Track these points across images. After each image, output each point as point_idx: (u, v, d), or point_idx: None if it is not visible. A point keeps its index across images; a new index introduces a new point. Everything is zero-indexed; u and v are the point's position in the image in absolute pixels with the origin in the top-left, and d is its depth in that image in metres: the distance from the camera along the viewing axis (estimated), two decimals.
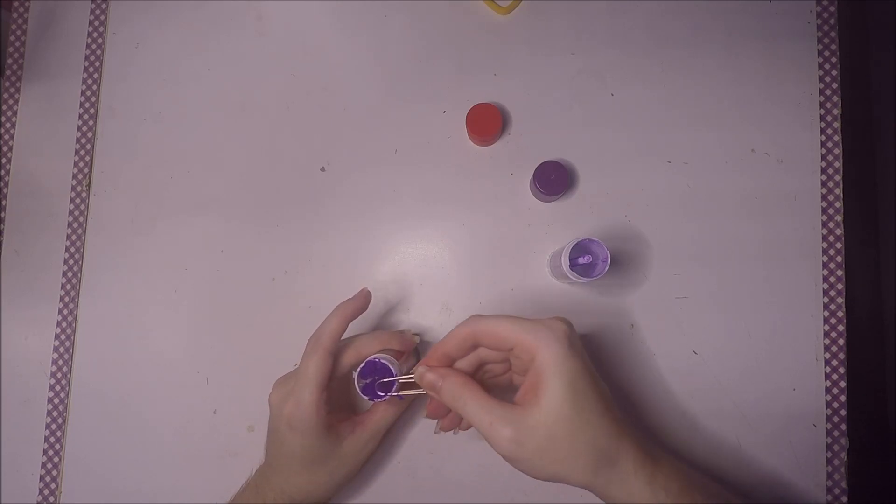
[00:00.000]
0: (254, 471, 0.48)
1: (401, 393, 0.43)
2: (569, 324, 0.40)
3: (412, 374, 0.42)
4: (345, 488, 0.48)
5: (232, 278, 0.55)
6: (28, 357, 0.56)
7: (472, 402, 0.39)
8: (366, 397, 0.43)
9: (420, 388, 0.42)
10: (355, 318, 0.46)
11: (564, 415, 0.37)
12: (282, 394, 0.45)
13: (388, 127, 0.55)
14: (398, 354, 0.48)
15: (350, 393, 0.50)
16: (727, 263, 0.52)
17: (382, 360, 0.43)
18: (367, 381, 0.43)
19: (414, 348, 0.51)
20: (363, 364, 0.43)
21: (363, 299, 0.46)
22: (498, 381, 0.45)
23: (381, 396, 0.43)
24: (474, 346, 0.42)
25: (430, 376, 0.41)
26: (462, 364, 0.43)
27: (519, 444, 0.37)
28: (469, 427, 0.44)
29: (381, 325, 0.53)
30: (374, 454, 0.48)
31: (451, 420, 0.45)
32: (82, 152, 0.58)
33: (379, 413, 0.47)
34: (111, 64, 0.59)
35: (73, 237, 0.57)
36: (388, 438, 0.51)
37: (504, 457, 0.38)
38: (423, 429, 0.52)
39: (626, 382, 0.51)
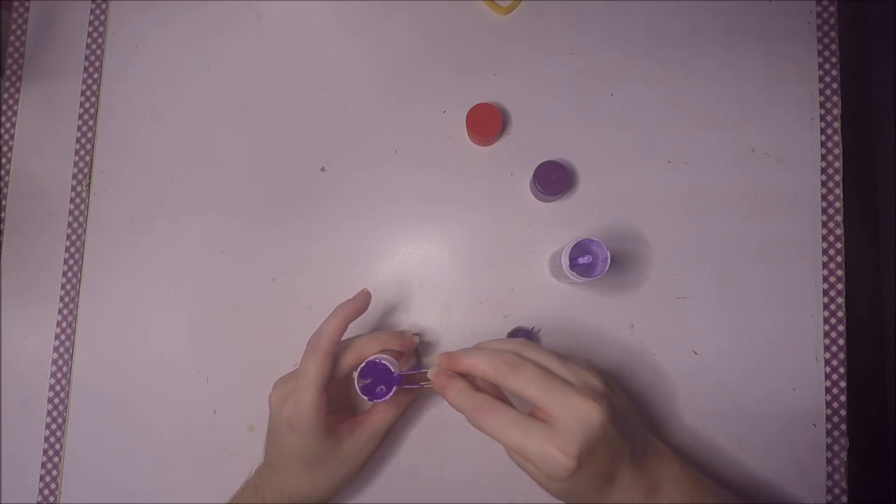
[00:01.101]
0: (253, 471, 0.48)
1: (406, 386, 0.44)
2: (596, 392, 0.39)
3: (425, 372, 0.43)
4: (344, 488, 0.48)
5: (232, 278, 0.55)
6: (28, 357, 0.56)
7: (475, 402, 0.39)
8: (366, 398, 0.43)
9: (422, 382, 0.42)
10: (355, 319, 0.45)
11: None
12: (281, 395, 0.45)
13: (388, 127, 0.55)
14: (398, 355, 0.48)
15: (350, 393, 0.51)
16: (727, 263, 0.52)
17: (382, 361, 0.43)
18: (368, 382, 0.43)
19: (414, 348, 0.51)
20: (363, 364, 0.43)
21: (363, 300, 0.46)
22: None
23: (381, 397, 0.43)
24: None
25: (443, 380, 0.41)
26: None
27: (544, 459, 0.37)
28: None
29: (382, 326, 0.53)
30: (373, 454, 0.48)
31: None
32: (82, 152, 0.58)
33: (378, 413, 0.47)
34: (111, 64, 0.59)
35: (73, 237, 0.57)
36: (388, 438, 0.51)
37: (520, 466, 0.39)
38: (423, 429, 0.52)
39: (626, 382, 0.51)
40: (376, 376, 0.43)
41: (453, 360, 0.41)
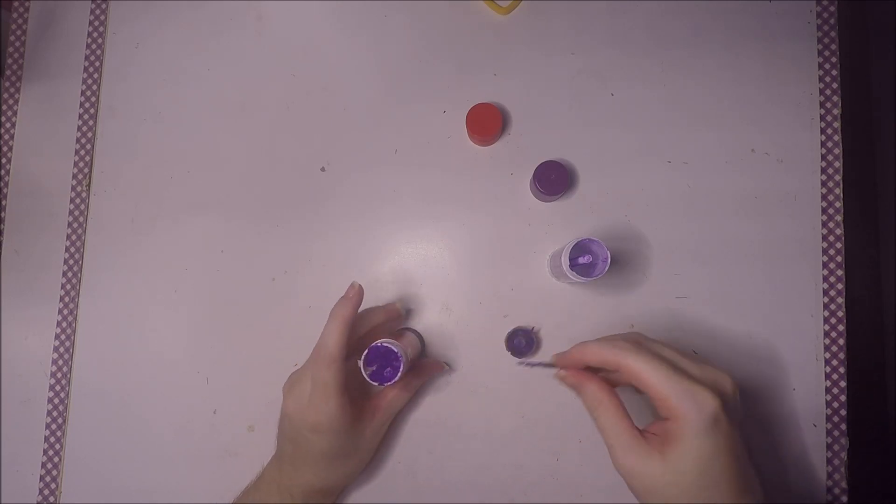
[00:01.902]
0: (262, 471, 0.48)
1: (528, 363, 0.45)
2: (725, 396, 0.37)
3: (553, 364, 0.43)
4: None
5: (232, 278, 0.55)
6: (28, 357, 0.56)
7: (604, 417, 0.39)
8: (375, 383, 0.43)
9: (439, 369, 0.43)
10: (353, 317, 0.45)
11: (685, 487, 0.36)
12: (299, 403, 0.44)
13: (388, 127, 0.55)
14: (397, 336, 0.48)
15: (359, 376, 0.50)
16: (727, 263, 0.52)
17: (385, 344, 0.43)
18: (374, 368, 0.43)
19: (418, 334, 0.52)
20: (367, 351, 0.43)
21: (357, 297, 0.46)
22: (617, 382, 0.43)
23: (389, 380, 0.43)
24: (613, 370, 0.40)
25: (572, 380, 0.41)
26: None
27: (633, 476, 0.37)
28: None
29: (382, 325, 0.53)
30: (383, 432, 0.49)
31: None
32: (82, 152, 0.58)
33: (392, 394, 0.48)
34: (111, 64, 0.59)
35: (73, 237, 0.57)
36: (388, 438, 0.51)
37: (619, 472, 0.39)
38: (423, 429, 0.52)
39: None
40: (381, 360, 0.43)
41: (569, 356, 0.41)
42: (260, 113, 0.57)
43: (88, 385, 0.55)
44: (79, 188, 0.57)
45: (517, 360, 0.44)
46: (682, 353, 0.40)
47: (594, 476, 0.50)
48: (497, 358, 0.52)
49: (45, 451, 0.55)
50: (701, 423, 0.35)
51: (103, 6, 0.59)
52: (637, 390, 0.40)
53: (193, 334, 0.55)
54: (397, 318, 0.50)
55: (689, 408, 0.36)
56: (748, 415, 0.50)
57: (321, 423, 0.43)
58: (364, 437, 0.46)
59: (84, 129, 0.58)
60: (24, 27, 0.60)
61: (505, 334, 0.52)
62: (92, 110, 0.58)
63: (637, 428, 0.38)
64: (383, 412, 0.47)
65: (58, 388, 0.55)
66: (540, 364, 0.43)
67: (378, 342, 0.43)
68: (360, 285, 0.46)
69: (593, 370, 0.42)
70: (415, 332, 0.52)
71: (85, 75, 0.58)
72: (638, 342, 0.40)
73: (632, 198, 0.53)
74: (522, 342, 0.51)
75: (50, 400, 0.55)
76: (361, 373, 0.43)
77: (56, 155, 0.58)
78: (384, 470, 0.52)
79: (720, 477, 0.36)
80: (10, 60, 0.59)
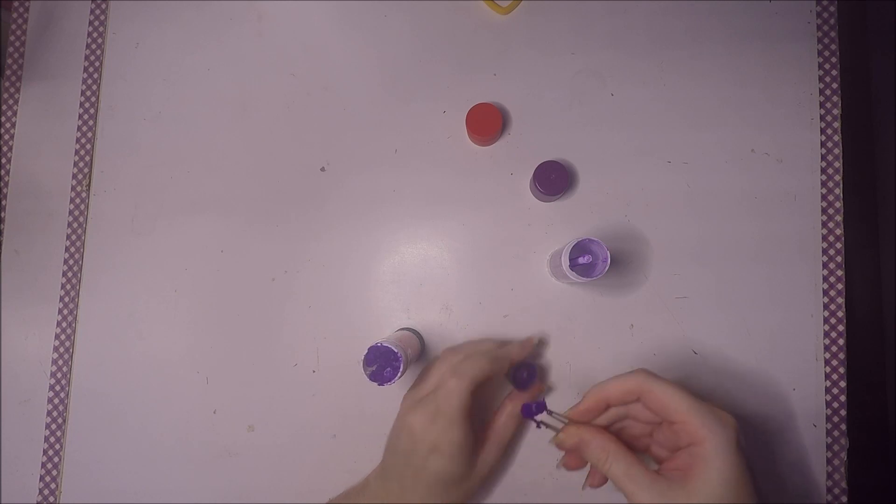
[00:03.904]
0: (366, 482, 0.48)
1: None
2: (736, 421, 0.38)
3: (566, 419, 0.41)
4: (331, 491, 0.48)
5: (232, 278, 0.55)
6: (28, 357, 0.56)
7: (616, 465, 0.38)
8: (375, 383, 0.43)
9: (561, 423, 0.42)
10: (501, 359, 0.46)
11: None
12: (424, 420, 0.44)
13: (388, 127, 0.55)
14: (406, 337, 0.48)
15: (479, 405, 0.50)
16: (727, 263, 0.52)
17: (385, 345, 0.43)
18: (374, 368, 0.43)
19: (417, 333, 0.52)
20: (367, 351, 0.43)
21: (525, 350, 0.47)
22: (632, 444, 0.42)
23: (389, 380, 0.43)
24: (634, 401, 0.40)
25: (574, 440, 0.40)
26: (603, 417, 0.42)
27: None
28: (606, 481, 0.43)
29: (382, 326, 0.53)
30: (498, 473, 0.49)
31: (598, 477, 0.43)
32: (82, 152, 0.58)
33: (500, 423, 0.47)
34: (111, 64, 0.59)
35: (73, 237, 0.57)
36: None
37: None
38: None
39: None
40: (381, 361, 0.43)
41: (589, 401, 0.40)
42: (260, 113, 0.57)
43: (88, 385, 0.55)
44: (79, 188, 0.57)
45: (534, 422, 0.43)
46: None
47: None
48: None
49: (45, 451, 0.55)
50: (727, 444, 0.36)
51: (103, 6, 0.59)
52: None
53: (193, 334, 0.55)
54: (528, 351, 0.50)
55: (714, 429, 0.36)
56: (748, 415, 0.50)
57: (442, 446, 0.43)
58: (475, 466, 0.45)
59: (84, 129, 0.58)
60: (24, 27, 0.60)
61: (504, 335, 0.52)
62: (92, 110, 0.58)
63: (651, 470, 0.38)
64: (494, 441, 0.47)
65: (57, 388, 0.55)
66: (554, 419, 0.42)
67: (377, 342, 0.43)
68: (533, 343, 0.48)
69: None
70: (415, 332, 0.52)
71: (85, 75, 0.58)
72: (651, 372, 0.40)
73: (632, 198, 0.53)
74: (524, 374, 0.49)
75: (50, 400, 0.55)
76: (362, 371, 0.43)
77: (56, 155, 0.58)
78: None
79: (746, 500, 0.36)
80: (10, 60, 0.59)
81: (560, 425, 0.41)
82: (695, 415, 0.36)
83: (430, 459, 0.43)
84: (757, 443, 0.50)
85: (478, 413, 0.45)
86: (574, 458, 0.43)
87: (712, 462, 0.36)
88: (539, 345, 0.52)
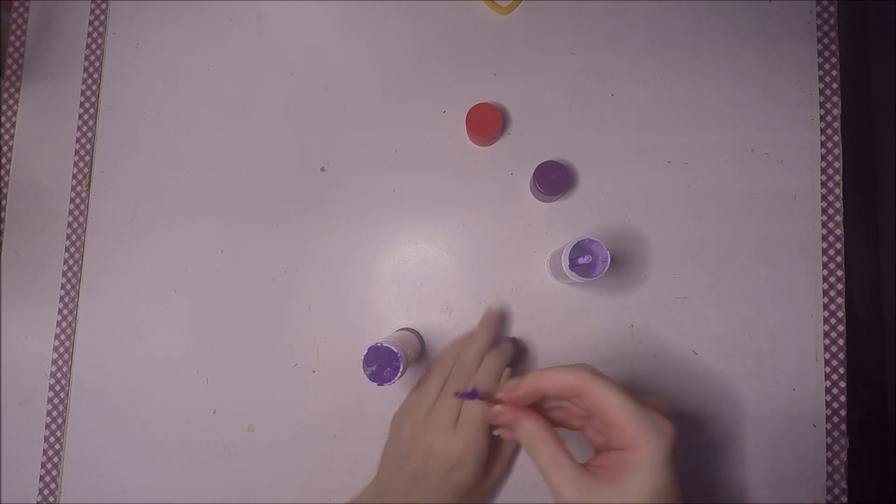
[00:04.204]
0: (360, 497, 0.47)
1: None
2: (674, 430, 0.37)
3: (498, 397, 0.40)
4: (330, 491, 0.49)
5: (232, 278, 0.55)
6: (28, 357, 0.56)
7: (545, 454, 0.37)
8: (374, 383, 0.43)
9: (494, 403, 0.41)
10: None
11: None
12: (443, 436, 0.44)
13: (388, 127, 0.55)
14: (406, 337, 0.48)
15: None
16: (727, 263, 0.52)
17: (385, 345, 0.43)
18: (374, 368, 0.43)
19: (417, 333, 0.52)
20: (366, 352, 0.43)
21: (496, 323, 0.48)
22: (566, 424, 0.42)
23: (389, 380, 0.43)
24: (573, 397, 0.38)
25: (509, 416, 0.39)
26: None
27: None
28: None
29: (382, 326, 0.53)
30: (503, 477, 0.49)
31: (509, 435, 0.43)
32: (82, 152, 0.58)
33: (505, 444, 0.48)
34: (111, 64, 0.59)
35: (73, 237, 0.57)
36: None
37: None
38: None
39: (627, 383, 0.51)
40: (381, 361, 0.43)
41: (522, 387, 0.39)
42: (260, 113, 0.57)
43: (88, 385, 0.55)
44: (79, 188, 0.57)
45: (366, 372, 0.43)
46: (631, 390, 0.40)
47: None
48: None
49: (45, 451, 0.55)
50: (661, 455, 0.35)
51: (103, 6, 0.59)
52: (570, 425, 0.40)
53: (193, 334, 0.55)
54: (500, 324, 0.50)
55: (651, 438, 0.35)
56: (748, 415, 0.50)
57: (467, 457, 0.43)
58: (489, 474, 0.46)
59: (84, 129, 0.58)
60: (24, 27, 0.60)
61: (503, 336, 0.52)
62: (92, 110, 0.58)
63: (579, 463, 0.37)
64: (499, 458, 0.48)
65: (57, 388, 0.55)
66: (481, 396, 0.40)
67: (377, 342, 0.43)
68: (494, 316, 0.49)
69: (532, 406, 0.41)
70: (414, 332, 0.52)
71: (85, 75, 0.58)
72: (595, 369, 0.38)
73: (632, 198, 0.53)
74: (519, 351, 0.50)
75: (50, 400, 0.55)
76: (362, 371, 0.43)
77: (56, 155, 0.58)
78: None
79: None
80: (10, 60, 0.59)
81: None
82: (633, 421, 0.35)
83: (453, 472, 0.43)
84: (757, 443, 0.50)
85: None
86: (509, 432, 0.42)
87: (643, 470, 0.35)
88: (499, 315, 0.52)
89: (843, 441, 0.50)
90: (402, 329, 0.52)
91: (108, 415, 0.55)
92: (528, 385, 0.38)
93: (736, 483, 0.50)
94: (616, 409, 0.35)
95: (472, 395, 0.39)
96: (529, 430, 0.38)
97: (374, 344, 0.43)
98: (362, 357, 0.43)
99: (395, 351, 0.43)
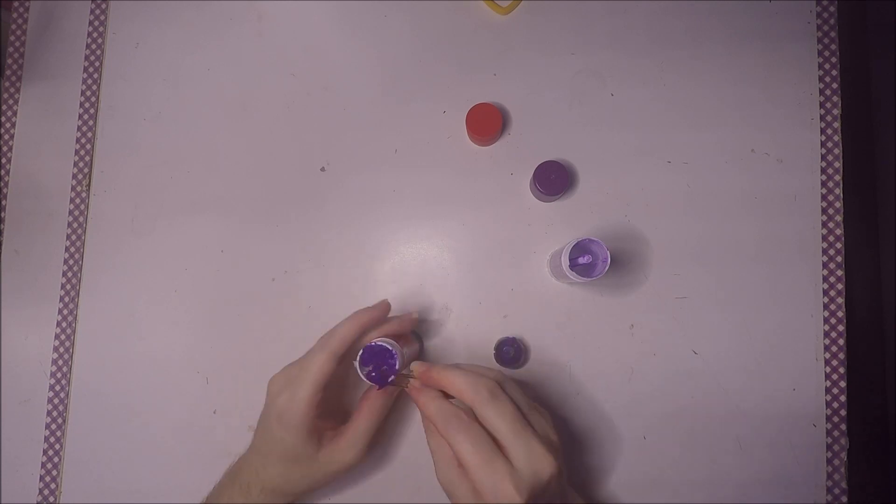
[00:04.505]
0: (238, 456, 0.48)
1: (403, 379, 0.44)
2: (558, 465, 0.40)
3: (412, 376, 0.43)
4: (324, 490, 0.49)
5: (232, 278, 0.55)
6: (28, 357, 0.56)
7: (435, 439, 0.41)
8: (370, 383, 0.43)
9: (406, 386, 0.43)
10: (371, 327, 0.45)
11: None
12: (280, 384, 0.45)
13: (388, 127, 0.55)
14: (399, 336, 0.48)
15: (345, 402, 0.50)
16: (727, 263, 0.52)
17: (381, 344, 0.43)
18: (370, 369, 0.43)
19: (416, 333, 0.52)
20: (362, 351, 0.43)
21: (382, 310, 0.46)
22: None
23: (386, 381, 0.43)
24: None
25: (416, 395, 0.42)
26: None
27: (453, 487, 0.39)
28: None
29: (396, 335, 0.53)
30: (357, 464, 0.46)
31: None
32: (82, 152, 0.58)
33: (356, 423, 0.45)
34: (111, 64, 0.59)
35: (73, 237, 0.57)
36: (388, 438, 0.51)
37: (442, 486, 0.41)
38: (423, 429, 0.52)
39: (626, 383, 0.51)
40: (377, 360, 0.43)
41: (431, 374, 0.41)
42: (260, 113, 0.57)
43: (88, 385, 0.55)
44: (79, 188, 0.57)
45: (362, 372, 0.43)
46: (529, 400, 0.42)
47: (595, 476, 0.50)
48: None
49: (45, 451, 0.55)
50: (534, 478, 0.38)
51: (103, 6, 0.59)
52: None
53: (193, 334, 0.55)
54: (409, 328, 0.49)
55: (528, 463, 0.38)
56: (748, 415, 0.50)
57: (285, 410, 0.43)
58: (318, 454, 0.44)
59: (84, 129, 0.58)
60: (24, 27, 0.60)
61: (501, 336, 0.52)
62: (92, 110, 0.58)
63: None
64: (344, 438, 0.45)
65: (57, 388, 0.55)
66: (400, 376, 0.43)
67: (373, 341, 0.43)
68: (388, 302, 0.47)
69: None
70: (414, 332, 0.52)
71: (85, 75, 0.58)
72: (498, 384, 0.40)
73: (632, 198, 0.53)
74: (510, 352, 0.50)
75: (50, 400, 0.55)
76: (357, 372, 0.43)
77: (56, 155, 0.58)
78: (384, 470, 0.52)
79: None
80: (10, 60, 0.59)
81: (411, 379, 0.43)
82: (513, 446, 0.38)
83: (274, 425, 0.43)
84: (757, 443, 0.50)
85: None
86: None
87: (523, 482, 0.37)
88: (419, 319, 0.52)
89: (843, 441, 0.50)
90: None
91: (108, 415, 0.55)
92: (436, 374, 0.41)
93: (736, 483, 0.50)
94: (501, 435, 0.38)
95: (387, 376, 0.42)
96: (432, 392, 0.41)
97: (369, 343, 0.43)
98: (358, 357, 0.43)
99: (390, 349, 0.42)
